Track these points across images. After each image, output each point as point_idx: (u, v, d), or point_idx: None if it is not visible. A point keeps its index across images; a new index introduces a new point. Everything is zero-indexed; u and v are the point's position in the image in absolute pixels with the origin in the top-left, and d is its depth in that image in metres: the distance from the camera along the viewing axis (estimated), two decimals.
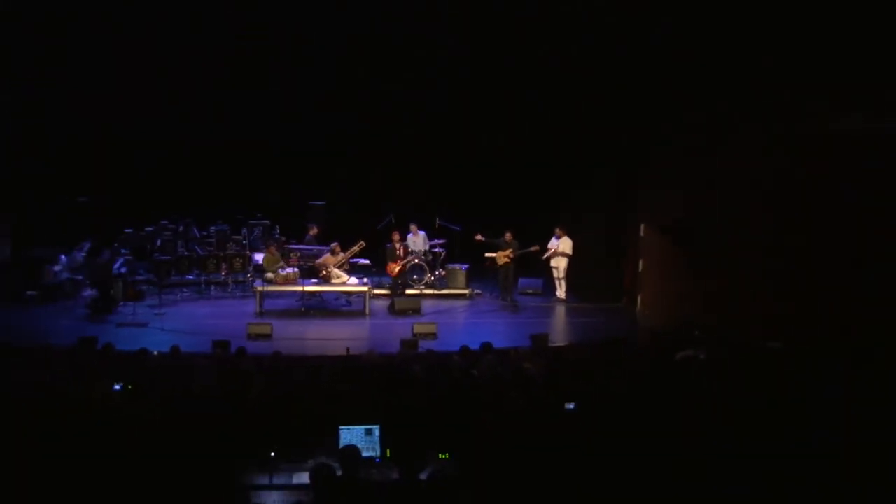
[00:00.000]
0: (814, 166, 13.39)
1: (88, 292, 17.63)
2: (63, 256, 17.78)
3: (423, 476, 5.98)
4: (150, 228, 18.85)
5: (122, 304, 16.75)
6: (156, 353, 11.53)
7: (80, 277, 17.84)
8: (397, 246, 17.74)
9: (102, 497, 5.61)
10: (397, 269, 17.65)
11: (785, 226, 13.82)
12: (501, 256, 17.66)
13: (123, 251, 18.24)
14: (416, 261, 18.11)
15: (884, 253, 12.54)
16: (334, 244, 17.47)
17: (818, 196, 13.40)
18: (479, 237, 17.66)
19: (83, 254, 17.95)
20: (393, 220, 18.25)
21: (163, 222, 18.96)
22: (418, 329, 14.47)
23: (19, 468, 6.07)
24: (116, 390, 8.97)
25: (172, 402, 8.33)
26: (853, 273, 12.84)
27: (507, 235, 17.66)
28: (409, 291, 17.84)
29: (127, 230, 18.79)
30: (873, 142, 12.65)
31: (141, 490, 5.78)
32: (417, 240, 18.48)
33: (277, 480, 6.97)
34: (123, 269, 17.63)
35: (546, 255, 17.93)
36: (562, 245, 17.71)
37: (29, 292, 17.18)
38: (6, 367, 9.81)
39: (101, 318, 15.96)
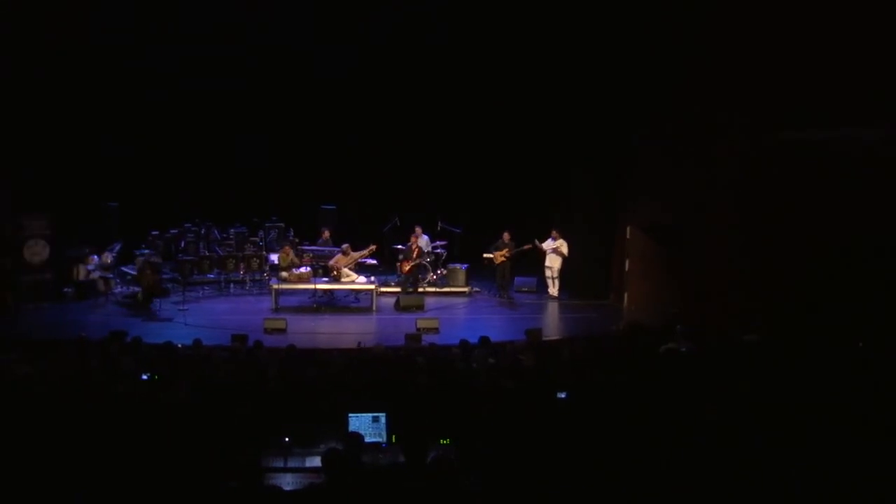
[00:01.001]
0: (776, 173, 13.57)
1: (119, 289, 17.65)
2: (96, 256, 17.78)
3: (426, 460, 5.98)
4: (174, 231, 18.86)
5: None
6: (180, 345, 11.54)
7: (111, 276, 17.86)
8: (413, 247, 17.68)
9: (131, 476, 5.61)
10: (408, 267, 17.61)
11: (753, 228, 13.92)
12: (499, 256, 17.65)
13: (150, 251, 18.26)
14: (421, 261, 18.11)
15: (843, 252, 12.82)
16: (345, 245, 17.50)
17: (782, 200, 13.57)
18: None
19: (114, 254, 17.95)
20: (398, 223, 18.21)
21: (186, 225, 18.97)
22: (421, 324, 14.44)
23: (56, 450, 6.07)
24: (144, 380, 8.99)
25: (195, 390, 8.34)
26: (818, 270, 12.94)
27: (505, 236, 17.67)
28: (413, 290, 17.81)
29: (153, 232, 18.81)
30: (831, 149, 13.00)
31: (166, 471, 5.77)
32: (421, 242, 18.48)
33: (292, 463, 6.95)
34: (150, 269, 17.65)
35: (544, 251, 17.86)
36: (560, 246, 17.67)
37: (65, 289, 17.25)
38: (45, 359, 9.80)
39: (148, 310, 16.08)
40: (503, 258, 17.58)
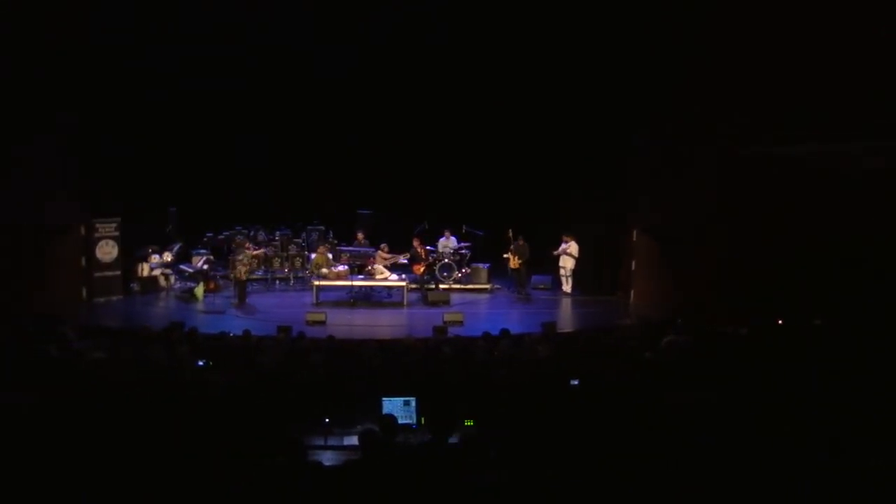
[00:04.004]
0: (761, 182, 13.48)
1: (178, 285, 17.76)
2: (157, 255, 17.92)
3: (452, 440, 5.96)
4: (226, 233, 18.95)
5: (204, 295, 16.92)
6: (231, 335, 11.59)
7: (171, 273, 17.99)
8: (420, 251, 17.64)
9: (186, 451, 5.62)
10: (422, 269, 17.60)
11: (742, 230, 13.84)
12: (514, 260, 17.62)
13: (204, 251, 18.37)
14: (446, 260, 18.08)
15: (829, 253, 12.82)
16: (383, 245, 17.55)
17: (766, 207, 13.56)
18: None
19: (174, 253, 18.07)
20: (426, 227, 18.19)
21: (236, 227, 19.04)
22: (448, 317, 14.41)
23: (121, 425, 6.10)
24: (200, 365, 9.03)
25: (244, 375, 8.36)
26: (806, 269, 12.89)
27: (520, 240, 17.62)
28: (441, 286, 17.78)
29: (208, 234, 18.91)
30: (814, 162, 13.01)
31: (218, 446, 5.78)
32: (448, 243, 18.47)
33: (331, 442, 6.98)
34: (205, 266, 17.76)
35: (556, 253, 17.82)
36: (569, 248, 17.62)
37: (131, 284, 17.40)
38: (115, 346, 9.88)
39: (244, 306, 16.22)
40: (517, 262, 17.55)
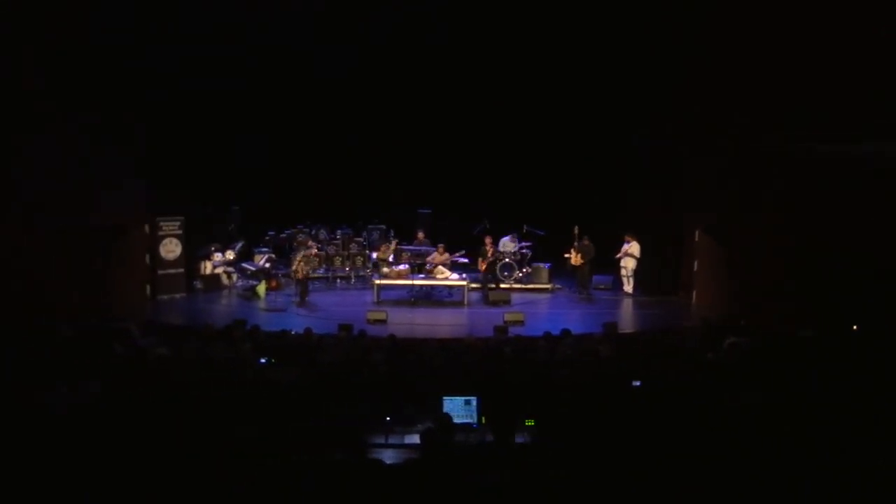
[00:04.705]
0: (831, 183, 13.17)
1: (240, 283, 18.14)
2: (220, 254, 18.33)
3: (513, 440, 6.00)
4: (288, 231, 19.28)
5: (266, 293, 17.25)
6: (293, 333, 11.73)
7: (233, 271, 18.39)
8: (488, 249, 17.71)
9: (249, 447, 5.77)
10: (484, 266, 17.64)
11: (807, 232, 13.55)
12: (576, 258, 17.57)
13: (266, 249, 18.73)
14: (507, 259, 18.11)
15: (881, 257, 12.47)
16: (440, 245, 17.67)
17: (834, 208, 13.23)
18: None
19: (236, 252, 18.46)
20: (487, 227, 18.25)
21: (298, 226, 19.37)
22: (508, 317, 14.41)
23: (186, 421, 6.30)
24: (262, 363, 9.21)
25: (306, 374, 8.51)
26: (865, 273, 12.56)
27: (585, 240, 17.56)
28: (502, 286, 17.82)
29: (270, 233, 19.26)
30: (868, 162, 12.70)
31: (281, 444, 5.93)
32: (510, 243, 18.50)
33: (392, 440, 7.05)
34: (267, 265, 18.12)
35: (618, 256, 17.74)
36: (631, 248, 17.53)
37: (194, 282, 17.83)
38: (179, 343, 10.15)
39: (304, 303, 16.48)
40: (580, 260, 17.49)
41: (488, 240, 17.75)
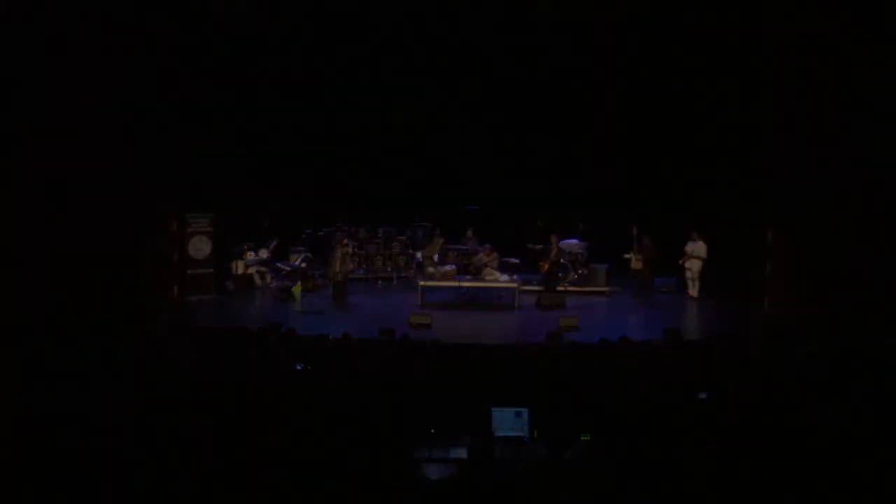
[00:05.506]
0: None
1: (274, 283, 18.20)
2: (253, 253, 18.41)
3: (567, 455, 5.86)
4: (326, 229, 19.29)
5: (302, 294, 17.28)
6: (331, 337, 11.70)
7: (266, 270, 18.45)
8: (553, 247, 17.52)
9: (282, 459, 5.71)
10: (546, 266, 17.46)
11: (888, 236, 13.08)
12: (635, 260, 17.32)
13: (302, 248, 18.76)
14: (562, 260, 17.92)
15: None
16: (487, 245, 17.53)
17: None
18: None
19: (270, 251, 18.54)
20: (540, 225, 18.07)
21: (337, 224, 19.37)
22: (563, 322, 14.24)
23: (217, 430, 6.26)
24: (298, 369, 9.17)
25: (345, 381, 8.45)
26: None
27: (645, 239, 17.30)
28: (556, 288, 17.62)
29: (307, 231, 19.31)
30: None
31: (320, 456, 5.86)
32: (576, 244, 18.33)
33: (436, 454, 6.97)
34: (303, 265, 18.15)
35: (683, 260, 17.44)
36: (697, 249, 17.19)
37: (225, 282, 17.91)
38: (208, 346, 10.15)
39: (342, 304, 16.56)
40: (640, 261, 17.26)
41: (554, 238, 17.57)
